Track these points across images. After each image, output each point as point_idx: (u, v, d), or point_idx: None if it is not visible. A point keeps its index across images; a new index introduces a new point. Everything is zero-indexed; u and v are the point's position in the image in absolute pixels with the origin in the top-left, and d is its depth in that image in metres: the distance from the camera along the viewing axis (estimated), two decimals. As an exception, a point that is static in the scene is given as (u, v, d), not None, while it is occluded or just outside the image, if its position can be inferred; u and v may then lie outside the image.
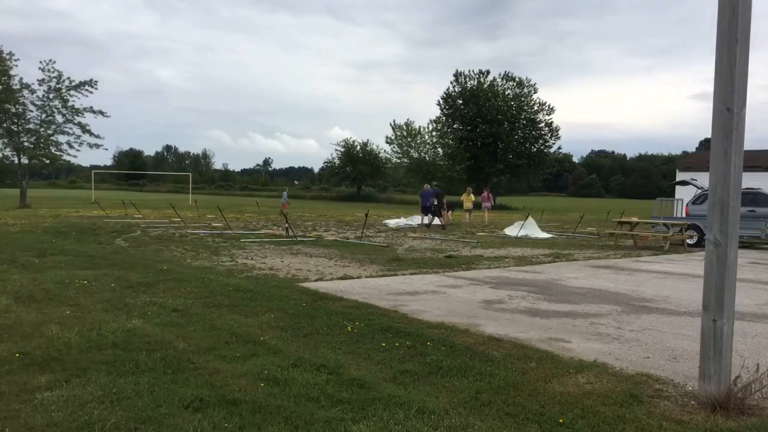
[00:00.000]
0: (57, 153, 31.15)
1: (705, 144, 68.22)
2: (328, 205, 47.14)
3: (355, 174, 65.16)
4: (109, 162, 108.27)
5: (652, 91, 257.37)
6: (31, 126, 30.22)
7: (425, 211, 21.67)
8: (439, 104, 52.58)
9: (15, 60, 29.26)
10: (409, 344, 5.24)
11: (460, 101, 50.67)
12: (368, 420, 3.55)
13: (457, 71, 52.28)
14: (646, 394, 4.15)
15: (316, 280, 8.80)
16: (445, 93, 52.57)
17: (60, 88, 29.81)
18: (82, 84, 30.27)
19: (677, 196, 27.75)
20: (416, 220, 22.63)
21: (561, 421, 3.61)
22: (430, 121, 51.35)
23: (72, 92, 30.07)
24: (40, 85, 29.59)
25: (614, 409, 3.83)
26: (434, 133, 49.97)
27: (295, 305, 6.81)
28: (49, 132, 30.38)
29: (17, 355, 4.67)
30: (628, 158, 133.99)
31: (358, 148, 65.79)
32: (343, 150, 65.34)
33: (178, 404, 3.71)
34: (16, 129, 29.69)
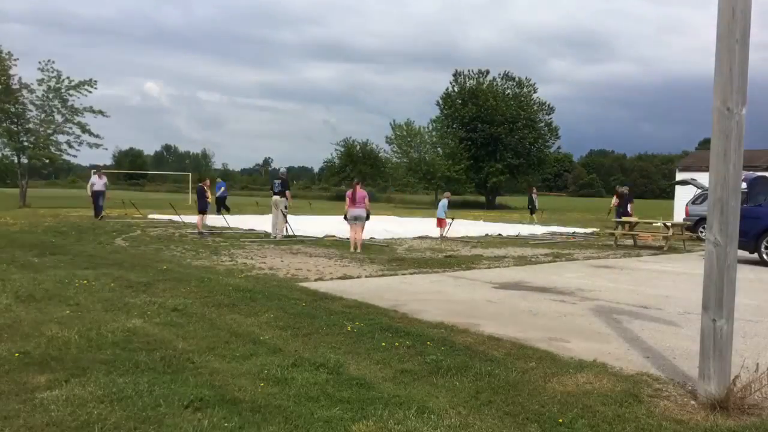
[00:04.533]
0: (57, 153, 31.12)
1: (705, 144, 68.17)
2: (329, 204, 47.11)
3: (355, 174, 65.16)
4: (108, 161, 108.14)
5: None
6: (31, 126, 30.18)
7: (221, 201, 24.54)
8: (438, 104, 52.59)
9: (14, 60, 29.25)
10: (409, 344, 5.24)
11: (459, 101, 50.64)
12: (368, 420, 3.55)
13: (456, 71, 52.24)
14: (646, 393, 4.15)
15: (315, 280, 8.79)
16: (444, 93, 52.56)
17: (59, 88, 29.75)
18: (81, 83, 30.21)
19: (677, 196, 27.73)
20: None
21: (561, 420, 3.61)
22: (430, 121, 51.42)
23: (71, 92, 30.03)
24: (39, 84, 29.56)
25: (614, 408, 3.83)
26: (434, 133, 49.97)
27: (295, 305, 6.81)
28: (49, 132, 30.35)
29: (17, 354, 4.66)
30: (627, 157, 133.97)
31: (358, 147, 65.80)
32: (343, 150, 65.33)
33: (178, 404, 3.71)
34: (15, 129, 29.66)
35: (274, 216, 15.65)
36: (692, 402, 4.01)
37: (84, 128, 30.52)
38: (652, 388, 4.27)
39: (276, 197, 15.63)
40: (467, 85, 51.51)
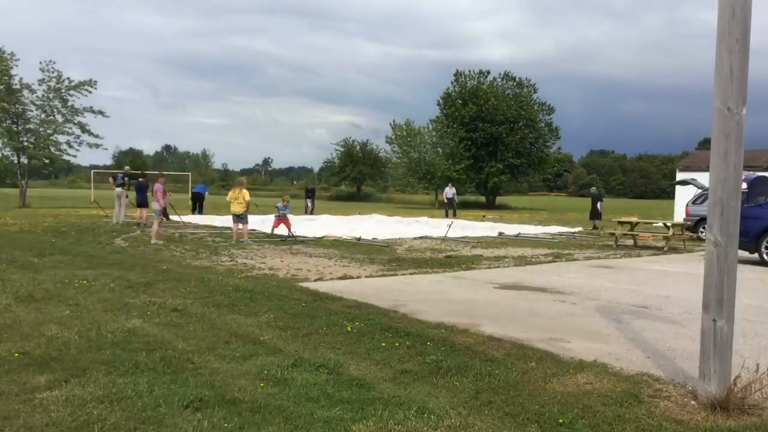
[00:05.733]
0: (57, 153, 31.14)
1: (705, 144, 68.17)
2: (329, 204, 47.12)
3: (355, 174, 65.20)
4: (108, 161, 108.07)
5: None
6: (31, 126, 30.22)
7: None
8: (438, 104, 52.56)
9: (15, 60, 29.27)
10: (409, 344, 5.24)
11: (460, 101, 50.61)
12: (368, 420, 3.55)
13: (457, 71, 52.22)
14: (646, 393, 4.15)
15: (315, 280, 8.79)
16: (444, 93, 52.52)
17: (60, 88, 29.78)
18: (81, 84, 30.25)
19: (677, 196, 27.73)
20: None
21: (561, 421, 3.61)
22: (430, 120, 51.41)
23: (72, 92, 30.06)
24: (39, 84, 29.58)
25: (614, 408, 3.83)
26: (434, 133, 49.94)
27: (295, 305, 6.81)
28: (49, 132, 30.37)
29: (17, 354, 4.66)
30: (627, 158, 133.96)
31: (358, 148, 65.83)
32: (342, 150, 65.35)
33: (178, 404, 3.71)
34: (16, 129, 29.68)
35: (118, 206, 18.91)
36: (693, 402, 4.00)
37: (84, 128, 30.56)
38: (652, 389, 4.27)
39: (118, 189, 19.08)
40: (468, 85, 51.52)
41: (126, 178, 20.10)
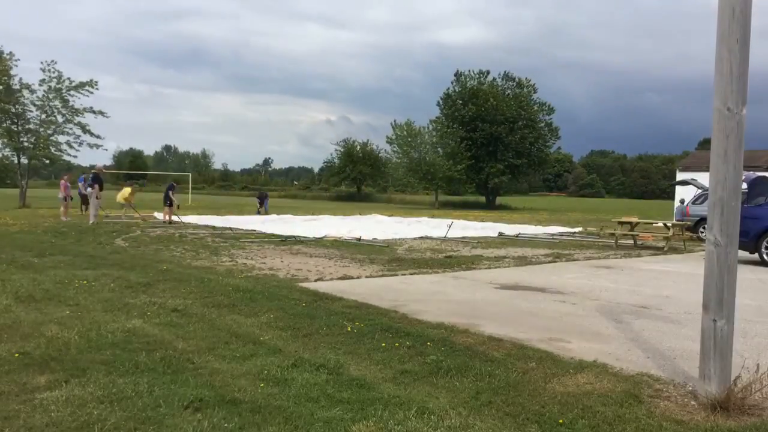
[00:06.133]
0: (57, 153, 31.15)
1: (705, 144, 68.18)
2: (329, 204, 47.15)
3: (355, 174, 65.29)
4: (108, 162, 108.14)
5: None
6: (31, 126, 30.22)
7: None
8: (438, 104, 52.58)
9: (15, 60, 29.28)
10: (409, 344, 5.24)
11: (460, 101, 50.64)
12: (368, 420, 3.55)
13: (457, 71, 52.30)
14: (646, 394, 4.15)
15: (316, 280, 8.79)
16: (445, 93, 52.55)
17: (60, 89, 29.78)
18: (82, 84, 30.25)
19: (677, 196, 27.76)
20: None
21: (561, 421, 3.61)
22: (431, 121, 51.43)
23: (72, 92, 30.06)
24: (40, 85, 29.59)
25: (614, 409, 3.83)
26: (434, 133, 49.97)
27: (295, 305, 6.81)
28: (49, 132, 30.37)
29: (17, 355, 4.66)
30: (628, 158, 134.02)
31: (358, 148, 65.91)
32: (343, 150, 65.42)
33: (178, 404, 3.71)
34: (16, 129, 29.69)
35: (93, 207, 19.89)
36: (693, 402, 4.00)
37: (84, 128, 30.56)
38: (652, 389, 4.27)
39: (89, 189, 20.62)
40: (468, 85, 51.54)
41: (88, 179, 22.29)
